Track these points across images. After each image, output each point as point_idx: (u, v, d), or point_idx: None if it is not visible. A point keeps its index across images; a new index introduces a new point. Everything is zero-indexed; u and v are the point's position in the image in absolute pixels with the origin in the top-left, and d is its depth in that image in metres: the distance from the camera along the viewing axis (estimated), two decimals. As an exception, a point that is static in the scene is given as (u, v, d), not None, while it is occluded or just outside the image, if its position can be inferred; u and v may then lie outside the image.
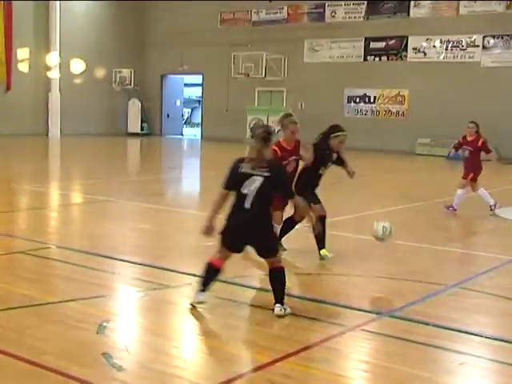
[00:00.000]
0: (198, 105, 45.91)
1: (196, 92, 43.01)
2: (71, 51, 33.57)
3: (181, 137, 37.36)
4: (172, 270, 7.26)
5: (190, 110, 51.03)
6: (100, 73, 35.28)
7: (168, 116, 37.22)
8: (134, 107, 36.18)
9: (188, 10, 34.04)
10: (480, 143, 12.31)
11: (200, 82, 36.11)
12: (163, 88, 36.96)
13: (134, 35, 36.30)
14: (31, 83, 32.70)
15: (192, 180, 18.61)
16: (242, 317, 5.83)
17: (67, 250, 8.18)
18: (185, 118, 44.78)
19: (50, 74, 33.24)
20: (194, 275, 7.01)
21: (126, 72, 35.64)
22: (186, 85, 39.01)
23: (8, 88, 32.06)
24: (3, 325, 5.32)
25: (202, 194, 15.43)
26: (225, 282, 6.71)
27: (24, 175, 16.78)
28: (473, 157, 12.35)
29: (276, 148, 7.17)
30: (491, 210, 12.15)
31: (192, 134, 39.49)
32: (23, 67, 32.65)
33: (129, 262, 7.73)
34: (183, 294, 6.43)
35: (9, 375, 4.40)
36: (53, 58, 33.07)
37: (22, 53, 32.47)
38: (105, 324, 5.39)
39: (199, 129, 37.73)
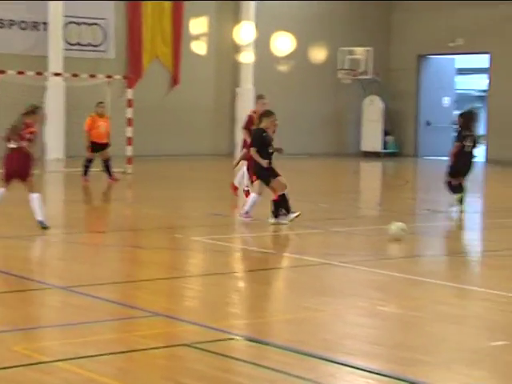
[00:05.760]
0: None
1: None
2: (272, 22, 29.16)
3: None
4: None
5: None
6: (318, 55, 30.25)
7: (428, 124, 30.89)
8: (373, 109, 30.87)
9: None
10: None
11: (483, 65, 30.09)
12: (421, 76, 31.10)
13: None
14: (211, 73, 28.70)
15: None
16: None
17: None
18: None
19: (239, 58, 29.00)
20: None
21: (360, 52, 30.15)
22: (460, 70, 32.92)
23: (175, 82, 27.55)
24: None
25: None
26: None
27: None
28: None
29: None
30: None
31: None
32: (199, 47, 28.47)
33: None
34: None
35: None
36: (244, 33, 28.79)
37: (197, 25, 28.41)
38: None
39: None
